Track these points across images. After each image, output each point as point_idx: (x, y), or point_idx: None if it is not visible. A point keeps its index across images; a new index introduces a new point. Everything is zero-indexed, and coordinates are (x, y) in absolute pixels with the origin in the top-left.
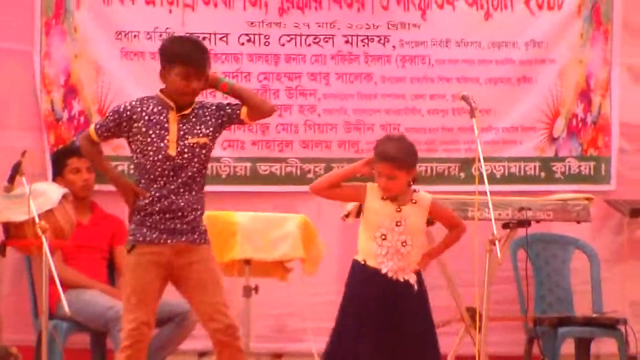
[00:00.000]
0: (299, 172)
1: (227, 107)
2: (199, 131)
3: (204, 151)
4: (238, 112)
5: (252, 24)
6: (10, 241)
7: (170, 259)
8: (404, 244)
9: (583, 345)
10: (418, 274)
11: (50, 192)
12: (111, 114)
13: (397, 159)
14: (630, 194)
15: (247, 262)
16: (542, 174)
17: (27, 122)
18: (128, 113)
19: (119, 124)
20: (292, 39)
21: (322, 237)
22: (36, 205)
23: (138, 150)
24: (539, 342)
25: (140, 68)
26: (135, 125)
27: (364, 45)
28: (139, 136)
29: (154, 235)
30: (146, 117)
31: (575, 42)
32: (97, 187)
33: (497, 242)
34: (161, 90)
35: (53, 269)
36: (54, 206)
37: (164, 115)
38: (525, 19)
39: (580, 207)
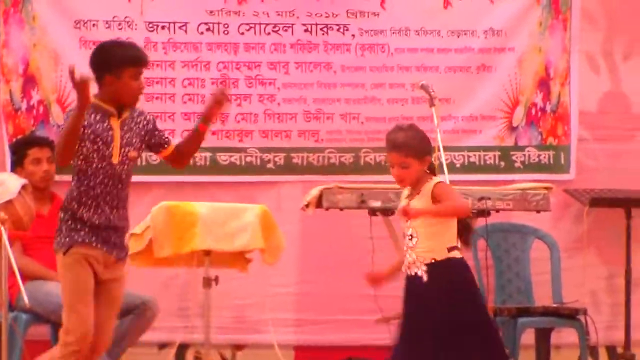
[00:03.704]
0: (258, 162)
1: (157, 135)
2: (138, 145)
3: (133, 165)
4: (162, 149)
5: (211, 12)
6: None
7: (100, 267)
8: (411, 237)
9: (543, 335)
10: (433, 264)
11: (9, 183)
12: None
13: (406, 146)
14: (589, 183)
15: (207, 252)
16: (502, 164)
17: None
18: None
19: None
20: (251, 27)
21: (282, 228)
22: None
23: (83, 157)
24: (499, 332)
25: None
26: (84, 132)
27: (323, 34)
28: (86, 143)
29: (92, 239)
30: (92, 127)
31: (534, 30)
32: (57, 177)
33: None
34: (95, 97)
35: (12, 260)
36: (13, 197)
37: (107, 122)
38: (484, 7)
39: (539, 197)
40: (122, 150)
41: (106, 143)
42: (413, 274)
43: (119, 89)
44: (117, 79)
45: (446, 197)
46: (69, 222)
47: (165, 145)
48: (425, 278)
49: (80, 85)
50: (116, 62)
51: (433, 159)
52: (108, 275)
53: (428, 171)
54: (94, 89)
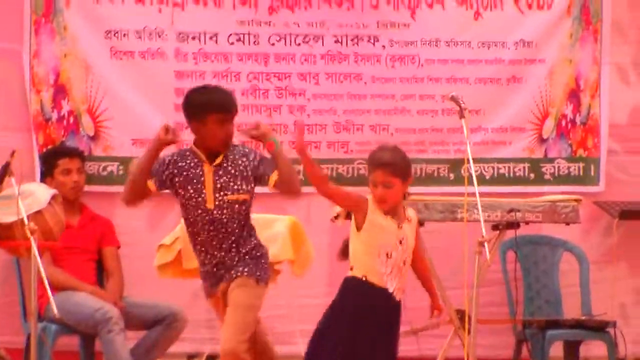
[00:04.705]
0: None
1: (261, 167)
2: (239, 187)
3: (244, 207)
4: (267, 177)
5: (241, 23)
6: None
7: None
8: (404, 262)
9: (572, 348)
10: (403, 292)
11: (39, 193)
12: (160, 164)
13: (393, 164)
14: (619, 196)
15: None
16: (532, 175)
17: (16, 122)
18: (171, 167)
19: (168, 176)
20: (281, 38)
21: (311, 239)
22: (25, 206)
23: (181, 205)
24: (527, 344)
25: (130, 67)
26: (177, 180)
27: (353, 45)
28: (180, 190)
29: (209, 286)
30: (184, 173)
31: (565, 42)
32: (86, 188)
33: (486, 244)
34: (194, 143)
35: (42, 270)
36: (43, 207)
37: (200, 168)
38: (515, 18)
39: (569, 209)
40: (217, 195)
41: (197, 190)
42: (398, 299)
43: (203, 135)
44: (202, 126)
45: (421, 244)
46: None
47: (266, 177)
48: (400, 303)
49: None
50: (199, 108)
51: (463, 171)
52: (228, 293)
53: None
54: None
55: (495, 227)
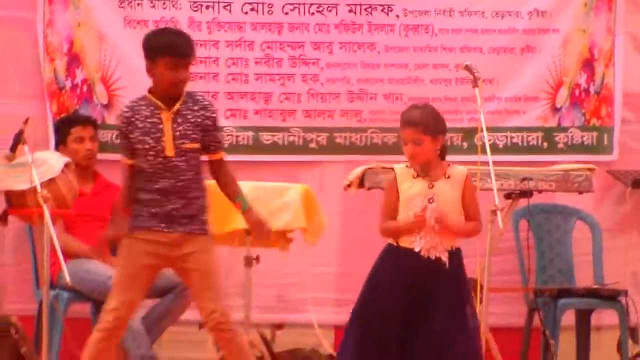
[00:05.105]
0: (301, 141)
1: (208, 137)
2: (197, 136)
3: (198, 155)
4: (212, 150)
5: None
6: (12, 210)
7: (166, 249)
8: (437, 221)
9: (584, 317)
10: (453, 252)
11: (52, 161)
12: (120, 135)
13: (421, 123)
14: (632, 164)
15: (248, 232)
16: (545, 144)
17: (30, 90)
18: (126, 125)
19: (128, 136)
20: (295, 7)
21: (324, 207)
22: (38, 174)
23: (140, 156)
24: (539, 313)
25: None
26: (133, 136)
27: (367, 14)
28: (138, 145)
29: (152, 222)
30: (140, 126)
31: (579, 11)
32: (99, 156)
33: (499, 213)
34: (149, 91)
35: (54, 238)
36: (56, 175)
37: (157, 116)
38: None
39: (582, 178)
40: (176, 142)
41: (156, 139)
42: (433, 257)
43: (154, 77)
44: (154, 67)
45: (474, 208)
46: (133, 210)
47: (211, 151)
48: (447, 264)
49: None
50: (152, 49)
51: (476, 140)
52: (180, 252)
53: (439, 152)
54: None
55: (508, 196)
